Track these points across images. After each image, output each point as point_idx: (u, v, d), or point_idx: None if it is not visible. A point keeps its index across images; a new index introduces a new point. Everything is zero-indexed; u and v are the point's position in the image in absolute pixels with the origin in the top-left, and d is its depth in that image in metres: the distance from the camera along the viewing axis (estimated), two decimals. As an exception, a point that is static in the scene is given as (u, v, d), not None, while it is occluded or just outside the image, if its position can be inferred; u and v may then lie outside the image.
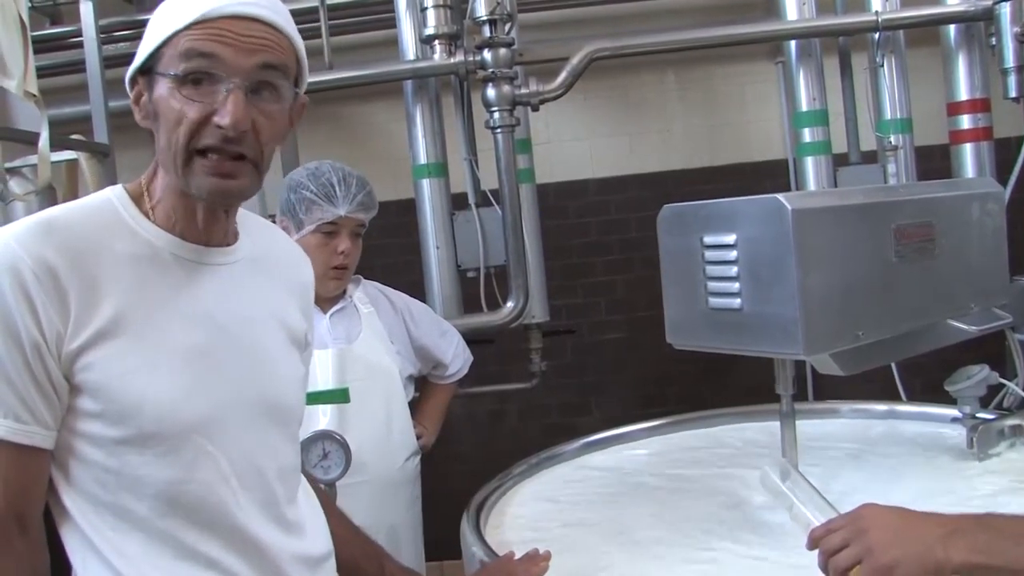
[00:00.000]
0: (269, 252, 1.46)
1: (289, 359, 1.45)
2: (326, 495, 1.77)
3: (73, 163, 3.40)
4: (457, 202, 3.54)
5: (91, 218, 1.28)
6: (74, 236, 1.23)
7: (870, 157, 3.57)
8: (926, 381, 2.99)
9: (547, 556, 1.69)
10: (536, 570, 1.66)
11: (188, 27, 1.22)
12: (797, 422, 2.02)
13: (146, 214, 1.31)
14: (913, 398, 2.92)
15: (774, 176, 4.23)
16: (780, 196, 1.69)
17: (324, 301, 2.48)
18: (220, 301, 1.33)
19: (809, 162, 3.44)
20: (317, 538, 1.46)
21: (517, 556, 1.72)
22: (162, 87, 1.24)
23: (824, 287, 1.72)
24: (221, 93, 1.22)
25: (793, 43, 3.44)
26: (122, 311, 1.23)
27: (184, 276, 1.30)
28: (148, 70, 1.26)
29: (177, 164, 1.25)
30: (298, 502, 1.44)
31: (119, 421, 1.22)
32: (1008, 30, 3.07)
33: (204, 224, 1.32)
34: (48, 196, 3.15)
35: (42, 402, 1.21)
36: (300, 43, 1.31)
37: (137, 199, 1.32)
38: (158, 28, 1.25)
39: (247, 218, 1.47)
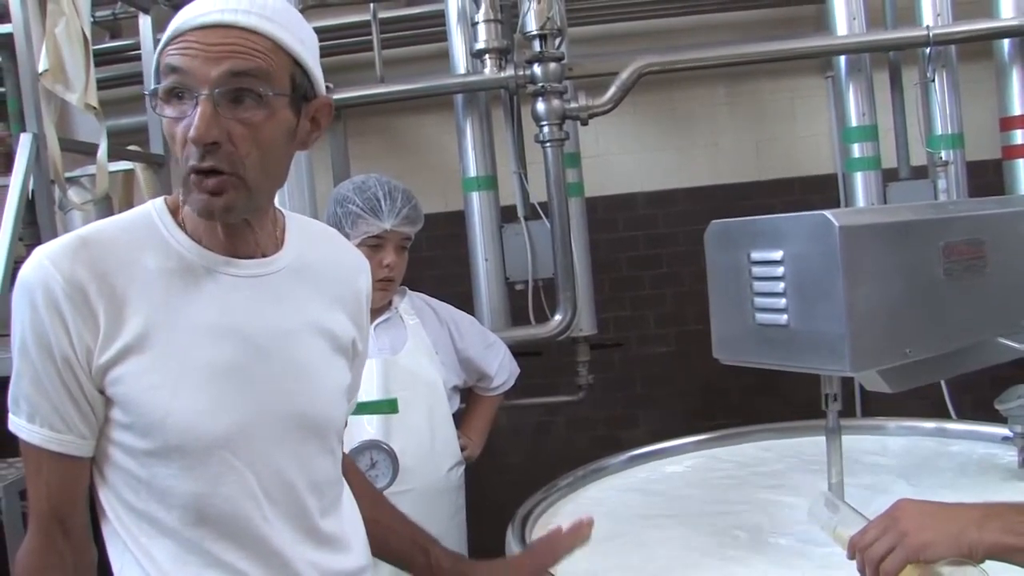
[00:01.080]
0: (320, 259, 1.45)
1: (331, 369, 1.43)
2: (373, 487, 1.78)
3: (129, 173, 3.49)
4: (506, 215, 3.56)
5: (126, 233, 1.29)
6: (106, 253, 1.25)
7: (920, 172, 3.55)
8: (977, 399, 2.95)
9: (590, 521, 1.64)
10: (582, 534, 1.62)
11: (166, 44, 1.23)
12: (844, 438, 2.01)
13: (181, 226, 1.32)
14: (963, 416, 2.88)
15: (823, 191, 4.21)
16: (827, 212, 1.69)
17: (370, 312, 2.51)
18: (252, 314, 1.32)
19: (858, 177, 3.41)
20: (352, 551, 1.45)
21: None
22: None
23: (871, 304, 1.72)
24: (188, 106, 1.21)
25: (843, 58, 3.43)
26: (149, 327, 1.24)
27: (216, 289, 1.30)
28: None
29: (180, 183, 1.26)
30: (339, 514, 1.44)
31: (146, 434, 1.24)
32: (1065, 44, 3.04)
33: (224, 237, 1.32)
34: (105, 205, 3.23)
35: (76, 413, 1.24)
36: (294, 44, 1.26)
37: (175, 211, 1.33)
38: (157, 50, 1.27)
39: (306, 225, 1.47)
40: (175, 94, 1.22)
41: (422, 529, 1.70)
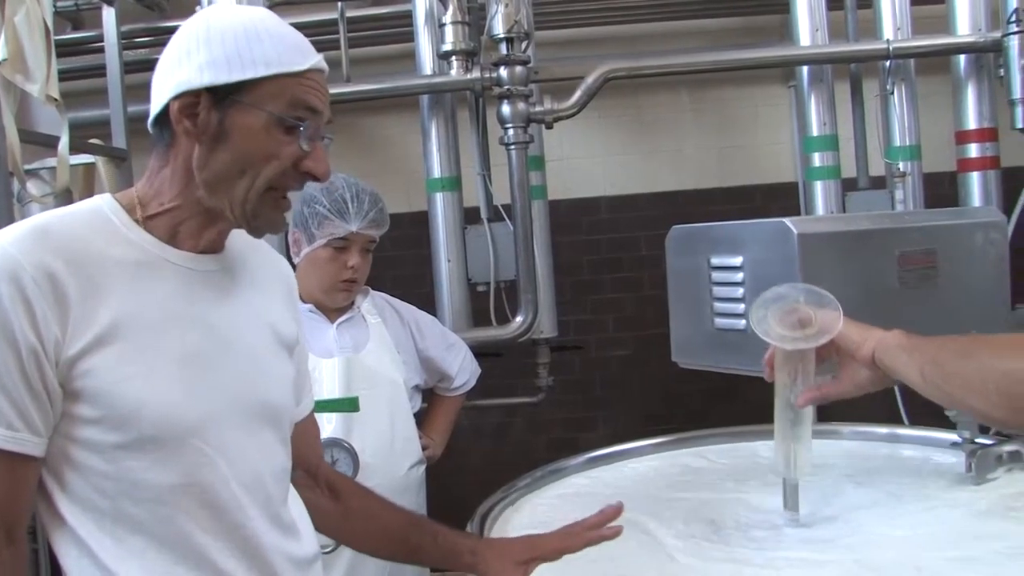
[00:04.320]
0: (252, 257, 1.48)
1: (279, 361, 1.47)
2: (357, 483, 1.78)
3: (90, 166, 3.45)
4: (470, 216, 3.58)
5: (85, 224, 1.29)
6: (71, 242, 1.24)
7: (879, 182, 3.61)
8: (930, 405, 3.00)
9: (620, 505, 1.65)
10: (610, 525, 1.63)
11: (298, 74, 1.28)
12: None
13: (138, 223, 1.32)
14: (917, 422, 2.92)
15: (784, 199, 4.25)
16: (787, 220, 1.73)
17: (332, 311, 2.53)
18: (213, 307, 1.35)
19: (818, 186, 3.46)
20: (307, 538, 1.48)
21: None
22: (251, 119, 1.27)
23: (827, 310, 1.75)
24: (305, 140, 1.29)
25: (805, 68, 3.48)
26: (120, 317, 1.24)
27: (178, 282, 1.31)
28: (222, 91, 1.27)
29: (249, 196, 1.30)
30: (290, 504, 1.46)
31: (118, 426, 1.23)
32: (1016, 62, 3.10)
33: (208, 240, 1.36)
34: (65, 199, 3.19)
35: (35, 409, 1.20)
36: None
37: (129, 209, 1.33)
38: (254, 60, 1.27)
39: None
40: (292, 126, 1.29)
41: (420, 514, 1.70)
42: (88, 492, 1.26)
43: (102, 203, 1.33)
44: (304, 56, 1.30)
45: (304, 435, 1.58)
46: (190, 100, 1.27)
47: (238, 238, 1.44)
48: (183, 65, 1.28)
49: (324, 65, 1.33)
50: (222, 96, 1.27)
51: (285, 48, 1.28)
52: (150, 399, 1.24)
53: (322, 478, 1.63)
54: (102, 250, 1.26)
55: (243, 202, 1.30)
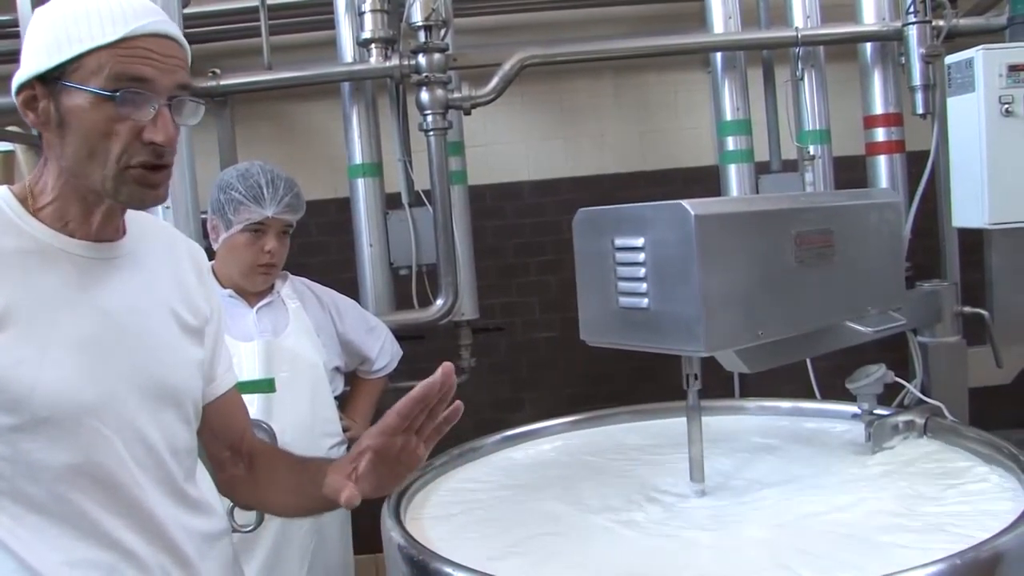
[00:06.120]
0: (156, 244, 1.51)
1: (181, 344, 1.49)
2: (271, 446, 1.83)
3: (10, 154, 3.42)
4: (391, 202, 3.61)
5: None
6: None
7: (791, 166, 3.70)
8: (840, 376, 3.11)
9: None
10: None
11: (111, 45, 1.27)
12: (713, 418, 2.12)
13: (32, 214, 1.35)
14: (834, 396, 3.02)
15: (704, 182, 4.31)
16: (684, 202, 1.79)
17: (251, 295, 2.56)
18: (108, 293, 1.38)
19: (732, 169, 3.55)
20: (214, 515, 1.52)
21: None
22: (78, 99, 1.28)
23: (726, 288, 1.82)
24: (148, 111, 1.29)
25: (719, 55, 3.56)
26: (11, 304, 1.27)
27: (73, 270, 1.35)
28: (51, 77, 1.29)
29: (105, 175, 1.30)
30: (197, 480, 1.50)
31: (12, 409, 1.26)
32: (915, 50, 3.21)
33: (99, 225, 1.38)
34: (-17, 187, 3.16)
35: None
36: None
37: (23, 200, 1.35)
38: (69, 39, 1.28)
39: (135, 214, 1.50)
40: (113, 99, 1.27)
41: (315, 457, 1.74)
42: None
43: None
44: (119, 24, 1.28)
45: (221, 413, 1.62)
46: (29, 93, 1.31)
47: (146, 227, 1.47)
48: (23, 60, 1.31)
49: (156, 28, 1.31)
50: (51, 83, 1.29)
51: (100, 21, 1.27)
52: (42, 382, 1.27)
53: (245, 452, 1.65)
54: None
55: (103, 181, 1.31)
